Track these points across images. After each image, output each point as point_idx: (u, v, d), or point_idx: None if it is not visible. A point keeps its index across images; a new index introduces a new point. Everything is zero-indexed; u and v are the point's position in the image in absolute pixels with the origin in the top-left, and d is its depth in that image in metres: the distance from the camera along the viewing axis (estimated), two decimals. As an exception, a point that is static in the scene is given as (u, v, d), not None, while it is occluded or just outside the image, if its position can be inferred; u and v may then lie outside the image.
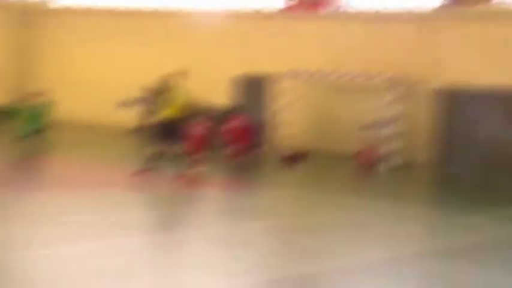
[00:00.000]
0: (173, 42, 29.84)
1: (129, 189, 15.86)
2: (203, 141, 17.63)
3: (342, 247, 11.45)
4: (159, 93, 17.68)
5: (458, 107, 20.90)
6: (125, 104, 28.33)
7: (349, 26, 25.62)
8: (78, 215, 12.52)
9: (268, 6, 27.81)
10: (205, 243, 11.31)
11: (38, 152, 18.47)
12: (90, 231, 11.24)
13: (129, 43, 31.10)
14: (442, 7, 23.62)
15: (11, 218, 12.03)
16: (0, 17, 33.79)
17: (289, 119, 25.33)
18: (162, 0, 30.69)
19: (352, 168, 21.09)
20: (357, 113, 24.21)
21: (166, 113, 16.76)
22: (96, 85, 31.75)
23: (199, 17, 29.27)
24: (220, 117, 21.09)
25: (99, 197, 14.61)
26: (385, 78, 23.40)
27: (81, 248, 10.17)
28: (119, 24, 31.30)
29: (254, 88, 26.56)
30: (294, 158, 21.74)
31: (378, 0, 25.68)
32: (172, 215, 13.65)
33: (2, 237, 10.70)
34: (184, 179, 16.51)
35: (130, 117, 28.79)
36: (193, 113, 17.44)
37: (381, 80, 23.41)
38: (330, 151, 24.21)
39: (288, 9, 27.45)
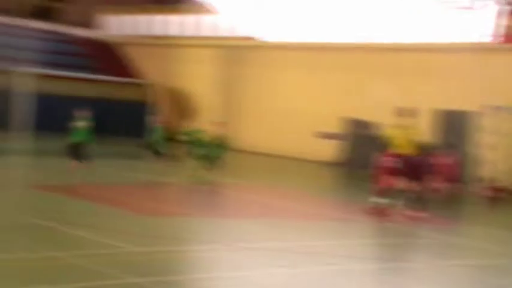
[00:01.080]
0: (373, 75, 29.88)
1: (329, 220, 16.09)
2: (397, 173, 17.54)
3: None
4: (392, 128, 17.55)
5: None
6: (325, 135, 28.77)
7: None
8: (275, 242, 12.84)
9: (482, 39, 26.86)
10: (397, 276, 11.16)
11: (225, 179, 19.30)
12: (287, 258, 11.49)
13: (330, 76, 31.58)
14: None
15: (210, 241, 12.60)
16: (209, 53, 35.83)
17: (493, 156, 24.31)
18: (360, 34, 30.90)
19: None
20: None
21: (405, 150, 16.72)
22: (294, 116, 32.51)
23: (408, 51, 29.05)
24: (427, 151, 20.83)
25: (294, 225, 14.90)
26: None
27: (277, 274, 10.41)
28: (318, 58, 31.91)
29: (456, 123, 25.79)
30: (496, 196, 20.83)
31: None
32: (367, 245, 13.59)
33: (210, 259, 11.25)
34: (406, 214, 16.52)
35: (325, 149, 29.23)
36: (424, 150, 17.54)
37: None
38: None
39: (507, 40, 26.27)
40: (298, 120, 31.94)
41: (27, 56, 32.87)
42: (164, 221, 14.11)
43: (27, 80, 30.42)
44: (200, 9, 36.79)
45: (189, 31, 36.79)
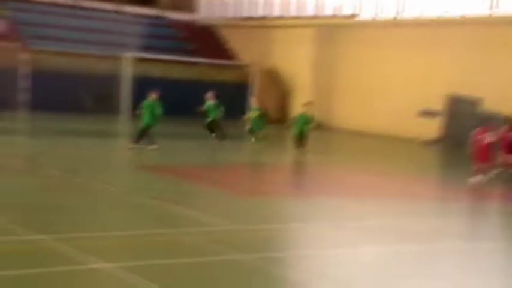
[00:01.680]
0: (472, 52, 29.10)
1: (429, 199, 15.96)
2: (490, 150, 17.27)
3: None
4: None
5: None
6: (427, 113, 28.36)
7: None
8: (376, 220, 12.87)
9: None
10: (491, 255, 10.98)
11: (321, 158, 19.40)
12: (390, 236, 11.52)
13: (429, 53, 30.97)
14: None
15: (311, 219, 12.77)
16: (307, 33, 35.79)
17: None
18: (466, 8, 29.88)
19: None
20: None
21: None
22: (391, 96, 32.12)
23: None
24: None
25: (397, 204, 14.86)
26: None
27: (381, 252, 10.46)
28: (418, 35, 31.30)
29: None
30: None
31: None
32: (470, 225, 13.42)
33: (312, 236, 11.44)
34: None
35: (425, 128, 28.73)
36: None
37: None
38: None
39: None
40: (398, 99, 31.52)
41: (130, 41, 33.88)
42: (264, 200, 14.37)
43: (131, 65, 31.37)
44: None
45: (286, 11, 36.82)
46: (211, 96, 24.47)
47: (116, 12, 38.61)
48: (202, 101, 24.70)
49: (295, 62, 36.21)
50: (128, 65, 31.56)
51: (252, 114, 24.83)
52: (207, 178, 16.52)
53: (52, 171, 15.70)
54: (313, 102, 25.63)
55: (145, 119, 20.56)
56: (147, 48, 33.98)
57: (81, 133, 24.71)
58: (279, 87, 37.01)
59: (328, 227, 12.09)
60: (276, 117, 33.93)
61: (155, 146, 20.48)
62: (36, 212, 11.59)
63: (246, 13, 38.70)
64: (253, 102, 25.57)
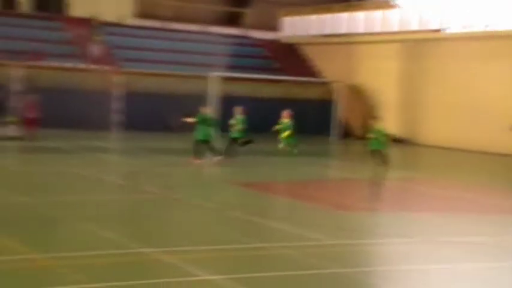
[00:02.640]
0: None
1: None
2: None
3: None
4: None
5: None
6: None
7: None
8: (471, 236, 12.78)
9: None
10: None
11: (408, 174, 19.27)
12: (487, 252, 11.44)
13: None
14: None
15: (410, 234, 12.80)
16: (392, 49, 35.69)
17: None
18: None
19: None
20: None
21: None
22: (481, 110, 31.56)
23: None
24: None
25: (496, 220, 14.69)
26: None
27: (481, 268, 10.38)
28: (509, 47, 30.71)
29: None
30: None
31: None
32: None
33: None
34: None
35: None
36: None
37: None
38: None
39: None
40: (487, 112, 30.92)
41: (216, 61, 34.61)
42: (356, 215, 14.50)
43: (217, 84, 32.04)
44: (382, 4, 36.73)
45: (370, 27, 36.81)
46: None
47: (202, 33, 39.56)
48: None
49: (380, 78, 36.14)
50: (214, 84, 32.24)
51: (282, 127, 24.68)
52: (299, 193, 16.75)
53: (150, 187, 16.27)
54: (381, 117, 25.62)
55: (201, 133, 21.22)
56: (232, 67, 34.65)
57: (171, 151, 25.40)
58: (363, 103, 36.99)
59: (428, 242, 12.07)
60: (361, 134, 33.89)
61: (219, 158, 21.27)
62: (140, 226, 12.11)
63: (329, 30, 38.90)
64: (284, 116, 24.98)
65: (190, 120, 21.72)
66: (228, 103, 27.76)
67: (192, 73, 33.93)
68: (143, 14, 39.51)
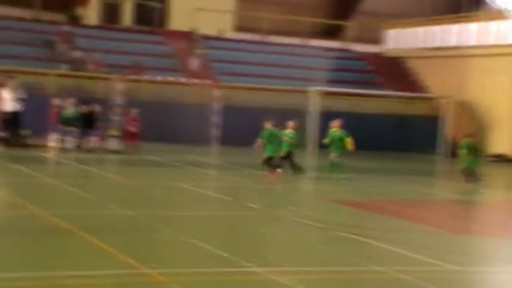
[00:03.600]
0: None
1: None
2: None
3: None
4: None
5: None
6: None
7: None
8: None
9: None
10: None
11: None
12: None
13: None
14: None
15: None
16: (506, 61, 34.53)
17: None
18: None
19: None
20: None
21: None
22: None
23: None
24: None
25: None
26: None
27: None
28: None
29: None
30: None
31: None
32: None
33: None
34: None
35: None
36: None
37: None
38: None
39: None
40: None
41: (316, 75, 34.58)
42: (471, 239, 14.04)
43: (317, 98, 31.97)
44: (496, 15, 35.75)
45: (483, 40, 35.73)
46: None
47: (302, 46, 39.62)
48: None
49: (492, 94, 35.05)
50: (314, 99, 32.19)
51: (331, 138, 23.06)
52: (406, 213, 16.38)
53: (251, 203, 16.33)
54: (475, 134, 24.86)
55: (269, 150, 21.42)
56: (332, 81, 34.50)
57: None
58: (473, 119, 35.96)
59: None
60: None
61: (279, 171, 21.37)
62: (247, 243, 12.13)
63: (437, 43, 38.09)
64: (334, 126, 22.92)
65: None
66: (327, 118, 27.64)
67: (291, 87, 33.99)
68: (242, 28, 39.99)
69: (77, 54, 33.51)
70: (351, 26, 42.46)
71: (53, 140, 26.21)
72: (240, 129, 32.12)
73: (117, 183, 19.51)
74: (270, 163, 21.68)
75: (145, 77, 31.65)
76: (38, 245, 10.95)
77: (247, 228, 13.68)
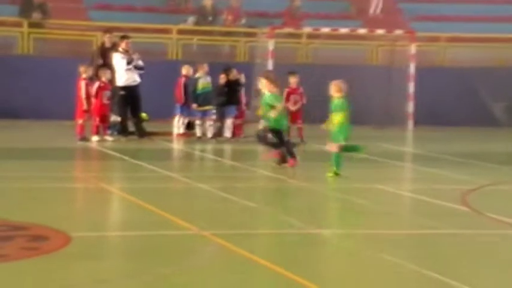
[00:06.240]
0: None
1: None
2: None
3: None
4: None
5: None
6: None
7: None
8: None
9: None
10: None
11: None
12: None
13: None
14: None
15: None
16: None
17: None
18: None
19: None
20: None
21: None
22: None
23: None
24: None
25: None
26: None
27: None
28: None
29: None
30: None
31: None
32: None
33: None
34: None
35: None
36: None
37: None
38: None
39: None
40: None
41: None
42: None
43: None
44: None
45: None
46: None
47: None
48: None
49: None
50: None
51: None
52: None
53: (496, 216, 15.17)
54: None
55: None
56: None
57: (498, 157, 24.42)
58: None
59: None
60: None
61: None
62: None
63: None
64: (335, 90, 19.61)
65: None
66: None
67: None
68: None
69: (208, 1, 33.63)
70: None
71: (180, 125, 26.15)
72: (448, 102, 31.61)
73: (290, 188, 19.13)
74: None
75: (306, 30, 31.25)
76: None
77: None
